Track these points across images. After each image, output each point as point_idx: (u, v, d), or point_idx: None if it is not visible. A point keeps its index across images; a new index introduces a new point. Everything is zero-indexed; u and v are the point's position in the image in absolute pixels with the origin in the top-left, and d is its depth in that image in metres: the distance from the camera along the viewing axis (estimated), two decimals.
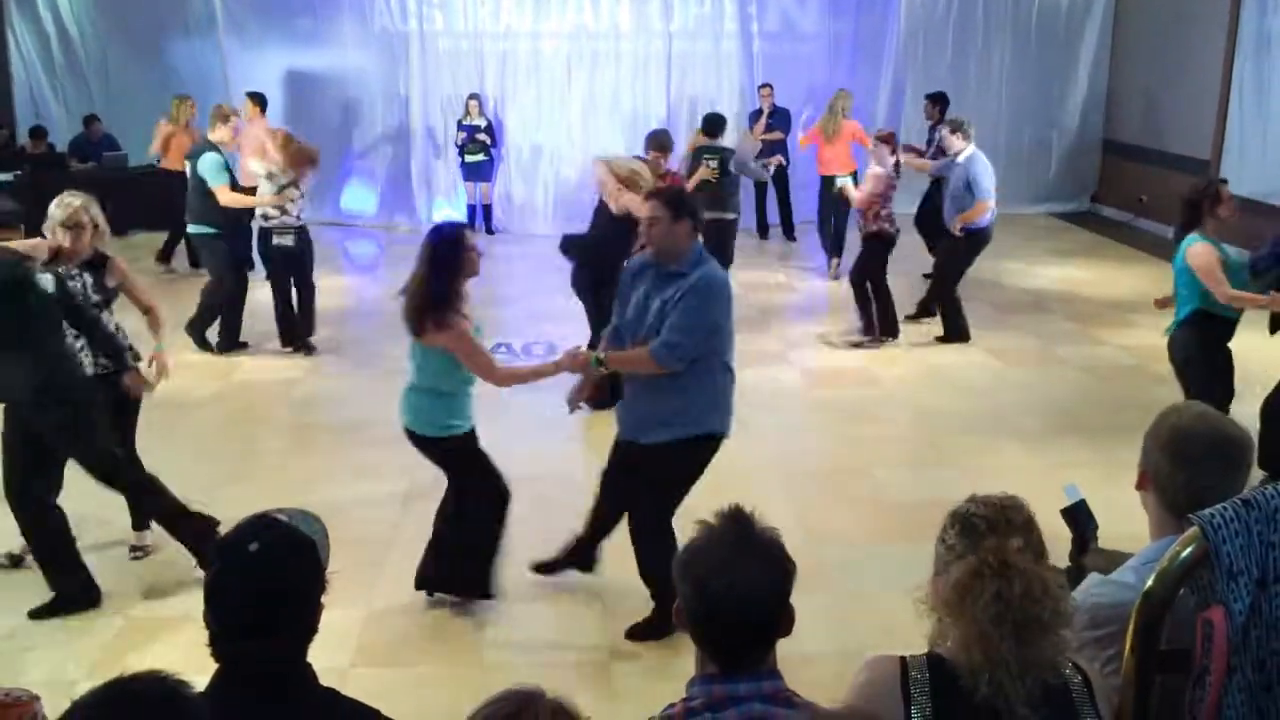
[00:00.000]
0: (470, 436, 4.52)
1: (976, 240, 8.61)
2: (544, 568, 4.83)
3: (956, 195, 8.56)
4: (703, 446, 4.29)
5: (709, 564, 1.93)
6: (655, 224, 4.18)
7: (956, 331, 8.64)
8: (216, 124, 8.66)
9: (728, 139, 13.59)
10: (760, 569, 1.94)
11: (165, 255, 11.37)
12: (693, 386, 4.18)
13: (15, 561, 5.04)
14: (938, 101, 11.38)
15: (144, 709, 1.52)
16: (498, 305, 9.58)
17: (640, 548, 4.41)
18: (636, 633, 4.43)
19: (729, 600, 1.91)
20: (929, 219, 11.06)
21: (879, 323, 8.63)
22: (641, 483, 4.37)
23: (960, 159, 8.59)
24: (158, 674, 1.57)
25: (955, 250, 8.66)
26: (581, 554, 4.81)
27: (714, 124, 9.74)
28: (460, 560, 4.59)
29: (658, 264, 4.25)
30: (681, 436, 4.21)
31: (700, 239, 4.29)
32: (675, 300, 4.10)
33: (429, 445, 4.50)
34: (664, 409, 4.21)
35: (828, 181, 11.25)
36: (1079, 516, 2.85)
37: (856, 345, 8.56)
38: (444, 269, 4.36)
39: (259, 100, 11.31)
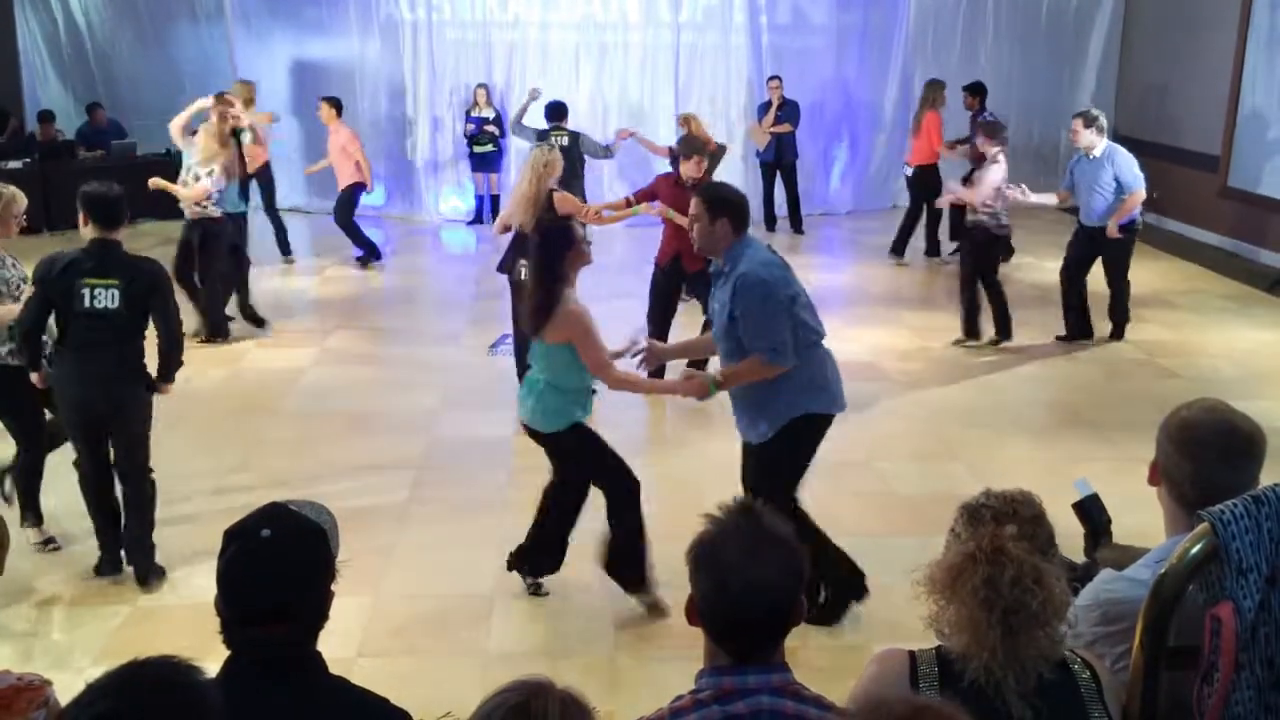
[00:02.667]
0: (582, 426, 4.47)
1: (1134, 233, 8.31)
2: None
3: (1102, 193, 8.06)
4: (802, 429, 4.26)
5: (728, 559, 1.93)
6: (695, 221, 4.20)
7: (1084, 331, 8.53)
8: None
9: (737, 132, 13.70)
10: (778, 561, 1.94)
11: None
12: (776, 378, 4.16)
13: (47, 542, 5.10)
14: (977, 92, 11.37)
15: (156, 692, 1.53)
16: (504, 296, 9.58)
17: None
18: (819, 619, 4.36)
19: (750, 594, 1.90)
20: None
21: (996, 323, 8.36)
22: (755, 478, 4.37)
23: (1096, 154, 8.07)
24: (170, 658, 1.58)
25: (1124, 250, 8.29)
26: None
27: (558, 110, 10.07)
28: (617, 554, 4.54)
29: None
30: (780, 427, 4.21)
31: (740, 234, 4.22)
32: (728, 306, 4.13)
33: (547, 440, 4.46)
34: (754, 406, 4.25)
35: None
36: (1091, 511, 2.85)
37: (958, 343, 8.37)
38: (554, 265, 4.30)
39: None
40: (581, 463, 4.51)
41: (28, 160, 12.64)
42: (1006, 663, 1.86)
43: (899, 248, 11.23)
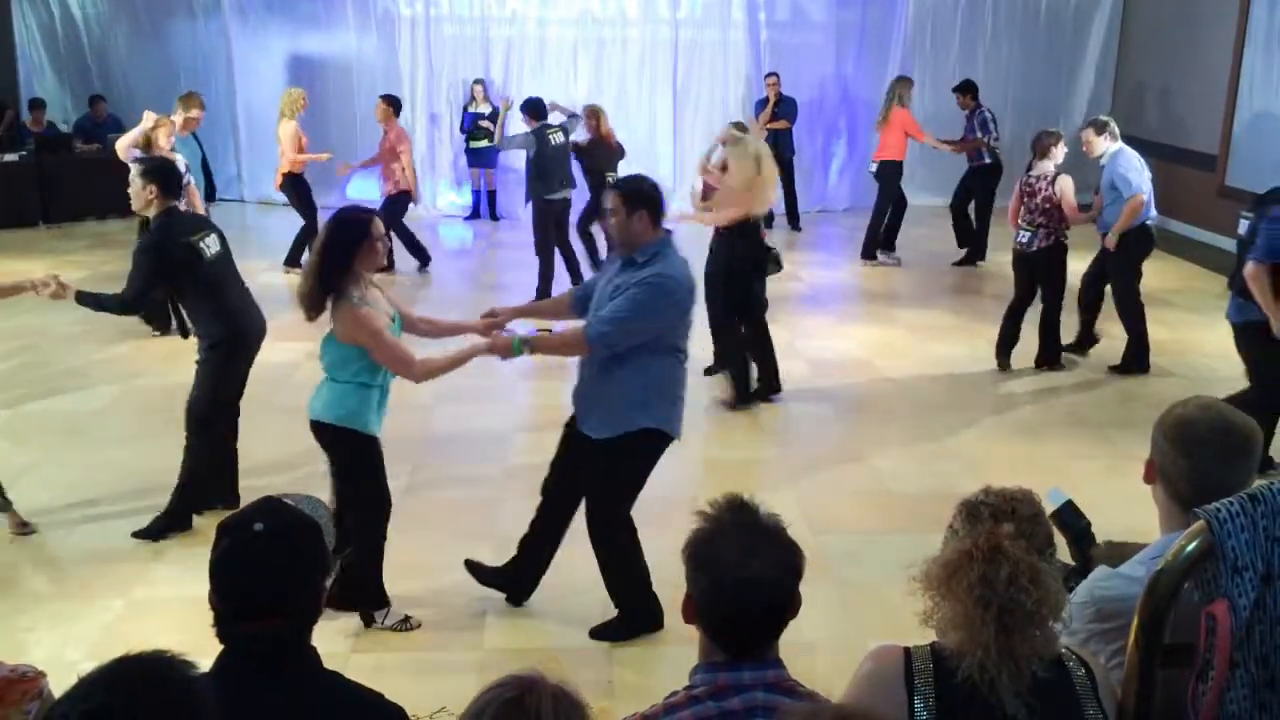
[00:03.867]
0: (373, 441, 4.26)
1: (1143, 240, 7.62)
2: (476, 569, 4.62)
3: (1109, 200, 7.62)
4: (641, 445, 4.17)
5: (725, 556, 1.93)
6: (613, 215, 4.13)
7: (1137, 359, 7.71)
8: (193, 108, 8.80)
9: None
10: (775, 556, 1.94)
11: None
12: (635, 377, 4.08)
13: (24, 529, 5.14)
14: (968, 90, 11.36)
15: (149, 687, 1.52)
16: (499, 291, 9.58)
17: (596, 547, 4.30)
18: (598, 632, 4.37)
19: (747, 590, 1.90)
20: (962, 212, 11.12)
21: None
22: (597, 478, 4.27)
23: (1104, 160, 7.68)
24: (162, 653, 1.58)
25: (1124, 263, 7.61)
26: (520, 578, 4.58)
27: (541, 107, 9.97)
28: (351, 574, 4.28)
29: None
30: (628, 430, 4.11)
31: (664, 232, 4.16)
32: (624, 289, 4.03)
33: (323, 433, 4.21)
34: (607, 400, 4.14)
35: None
36: (1067, 519, 2.86)
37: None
38: (341, 255, 4.05)
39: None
40: (353, 474, 4.27)
41: (24, 153, 12.62)
42: (1001, 660, 1.86)
43: (869, 251, 11.23)
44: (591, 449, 4.22)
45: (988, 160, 11.15)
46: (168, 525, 5.13)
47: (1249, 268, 5.44)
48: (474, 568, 4.62)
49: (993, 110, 11.40)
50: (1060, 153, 7.64)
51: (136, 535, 5.09)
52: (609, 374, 4.11)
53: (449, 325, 4.84)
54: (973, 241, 11.13)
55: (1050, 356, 7.77)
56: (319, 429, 4.21)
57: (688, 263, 4.24)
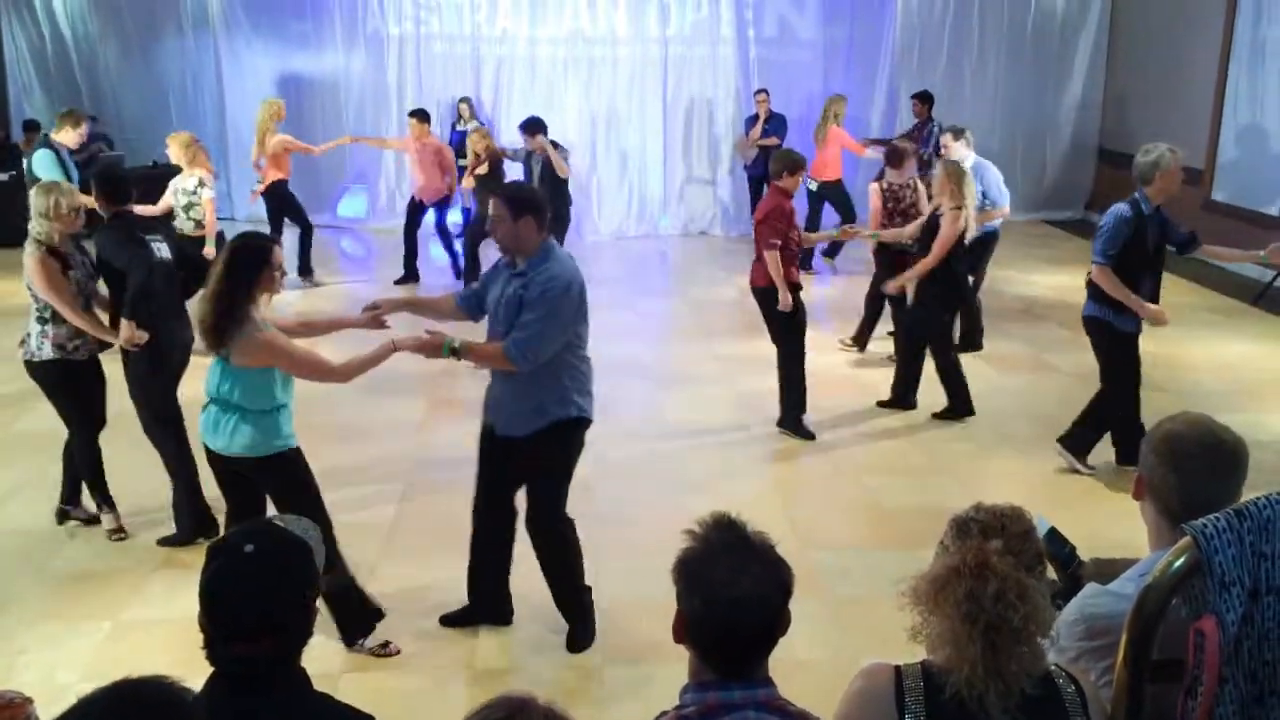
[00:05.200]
0: (299, 453, 4.24)
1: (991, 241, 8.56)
2: (453, 620, 4.60)
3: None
4: (572, 431, 4.33)
5: (716, 574, 1.93)
6: (499, 223, 4.18)
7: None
8: (65, 126, 8.76)
9: (724, 145, 13.77)
10: (765, 574, 1.94)
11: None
12: (552, 375, 4.22)
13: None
14: (925, 100, 11.46)
15: (145, 712, 1.51)
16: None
17: (541, 546, 4.44)
18: (573, 645, 4.43)
19: (738, 609, 1.90)
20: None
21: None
22: (530, 477, 4.39)
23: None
24: (160, 678, 1.57)
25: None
26: (490, 603, 4.61)
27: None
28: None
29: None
30: (558, 419, 4.24)
31: (548, 236, 4.26)
32: (517, 300, 4.13)
33: (258, 468, 4.14)
34: (525, 399, 4.24)
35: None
36: (1051, 547, 2.87)
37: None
38: (244, 282, 4.00)
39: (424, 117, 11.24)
40: (293, 489, 4.21)
41: (14, 173, 12.58)
42: (988, 677, 1.87)
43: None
44: (518, 449, 4.30)
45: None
46: (191, 530, 5.22)
47: (1094, 271, 5.87)
48: (450, 620, 4.61)
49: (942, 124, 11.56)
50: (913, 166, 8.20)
51: (162, 543, 5.22)
52: (522, 376, 4.19)
53: (326, 322, 4.97)
54: None
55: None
56: (249, 464, 4.12)
57: (573, 257, 4.35)
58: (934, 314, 7.09)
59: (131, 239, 5.25)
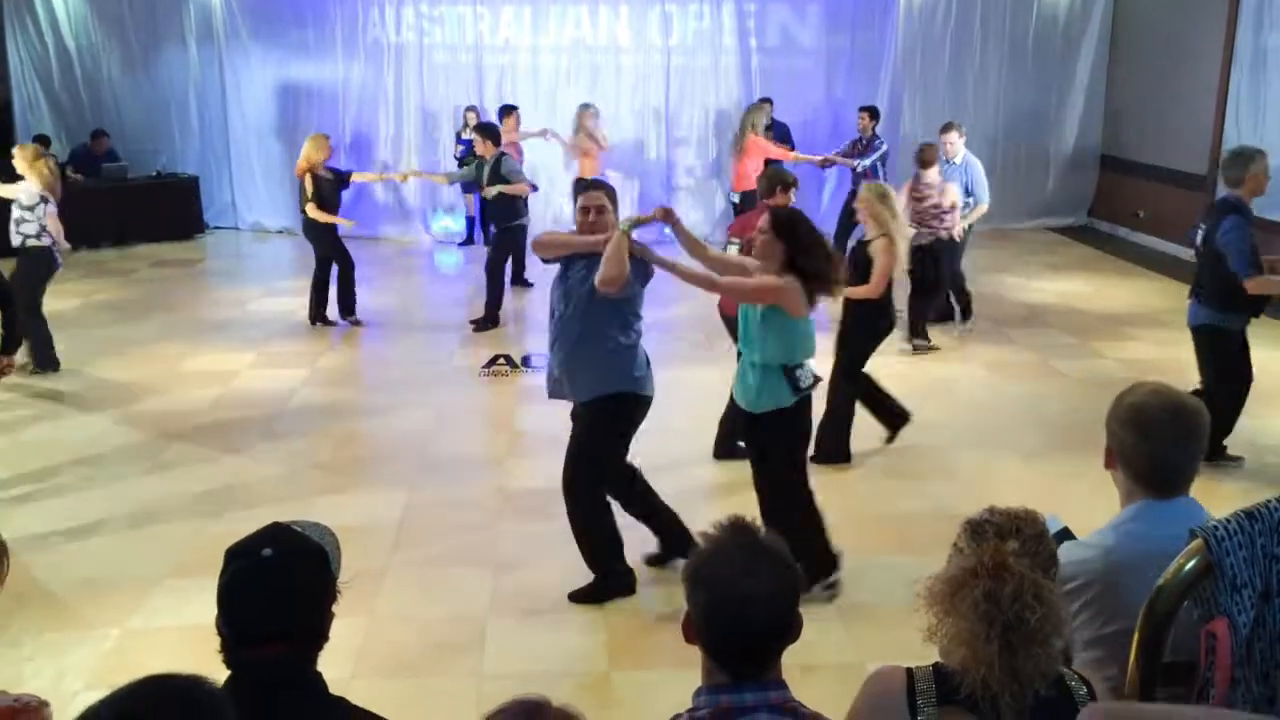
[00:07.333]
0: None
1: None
2: (654, 561, 5.04)
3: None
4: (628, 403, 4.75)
5: (724, 572, 1.93)
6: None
7: None
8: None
9: (727, 154, 13.78)
10: (775, 576, 1.94)
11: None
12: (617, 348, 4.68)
13: None
14: (875, 116, 11.86)
15: (182, 707, 1.51)
16: (499, 323, 9.59)
17: (574, 497, 4.81)
18: (578, 595, 4.76)
19: (748, 606, 1.91)
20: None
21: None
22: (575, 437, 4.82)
23: (957, 161, 9.06)
24: (193, 675, 1.56)
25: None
26: (667, 539, 5.01)
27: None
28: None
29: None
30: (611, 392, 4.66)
31: None
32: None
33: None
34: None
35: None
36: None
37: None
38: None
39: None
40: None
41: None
42: (1004, 678, 1.87)
43: None
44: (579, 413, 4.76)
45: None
46: None
47: (1248, 284, 5.89)
48: (652, 560, 5.03)
49: (887, 145, 11.85)
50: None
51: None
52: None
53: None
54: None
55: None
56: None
57: None
58: (862, 342, 6.52)
59: None
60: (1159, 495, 2.46)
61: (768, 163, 9.89)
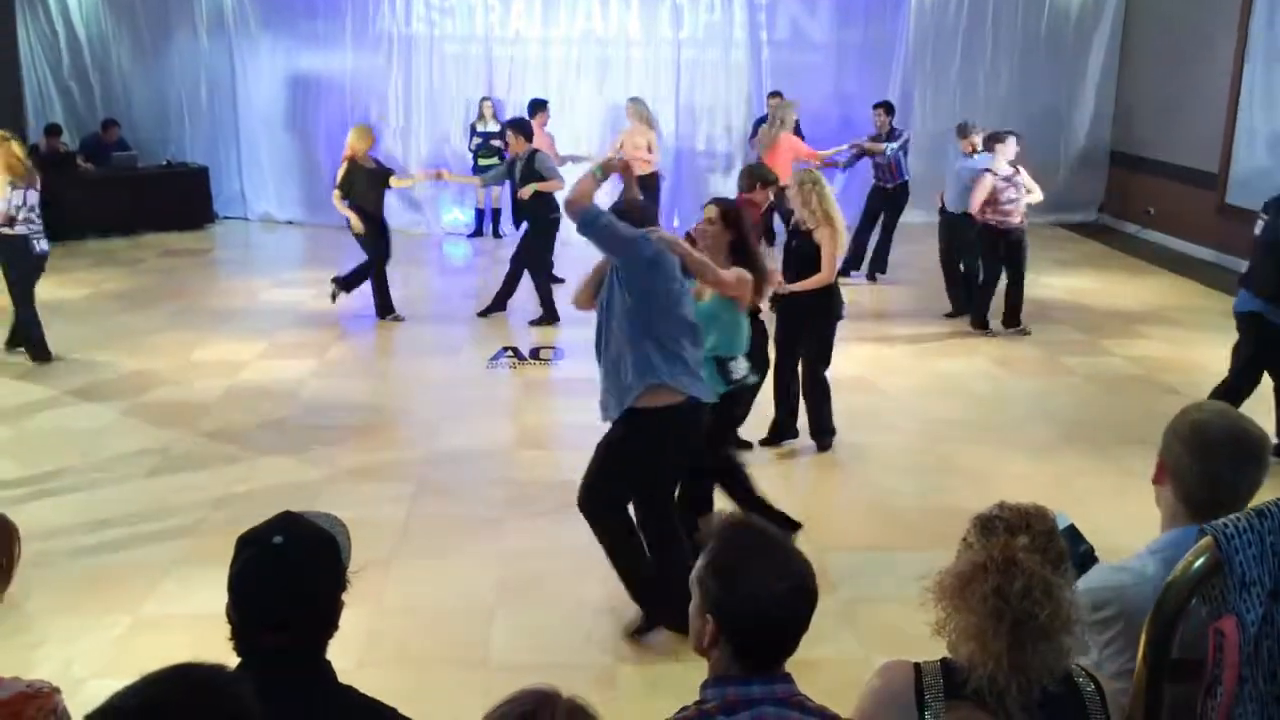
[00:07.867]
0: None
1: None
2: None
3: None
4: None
5: (756, 570, 1.94)
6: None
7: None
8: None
9: (737, 147, 13.77)
10: (804, 568, 1.97)
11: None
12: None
13: None
14: (890, 110, 11.60)
15: (205, 694, 1.51)
16: (506, 310, 9.60)
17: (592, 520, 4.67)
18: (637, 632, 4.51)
19: (782, 603, 1.93)
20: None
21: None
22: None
23: (977, 159, 9.57)
24: (215, 664, 1.57)
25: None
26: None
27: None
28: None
29: None
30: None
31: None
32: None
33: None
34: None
35: None
36: (1069, 543, 2.87)
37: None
38: None
39: None
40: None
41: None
42: (1012, 673, 1.87)
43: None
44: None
45: (891, 185, 11.26)
46: None
47: None
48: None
49: (908, 133, 11.79)
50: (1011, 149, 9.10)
51: None
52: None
53: None
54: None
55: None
56: None
57: None
58: (824, 328, 6.46)
59: None
60: (1204, 521, 2.24)
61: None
